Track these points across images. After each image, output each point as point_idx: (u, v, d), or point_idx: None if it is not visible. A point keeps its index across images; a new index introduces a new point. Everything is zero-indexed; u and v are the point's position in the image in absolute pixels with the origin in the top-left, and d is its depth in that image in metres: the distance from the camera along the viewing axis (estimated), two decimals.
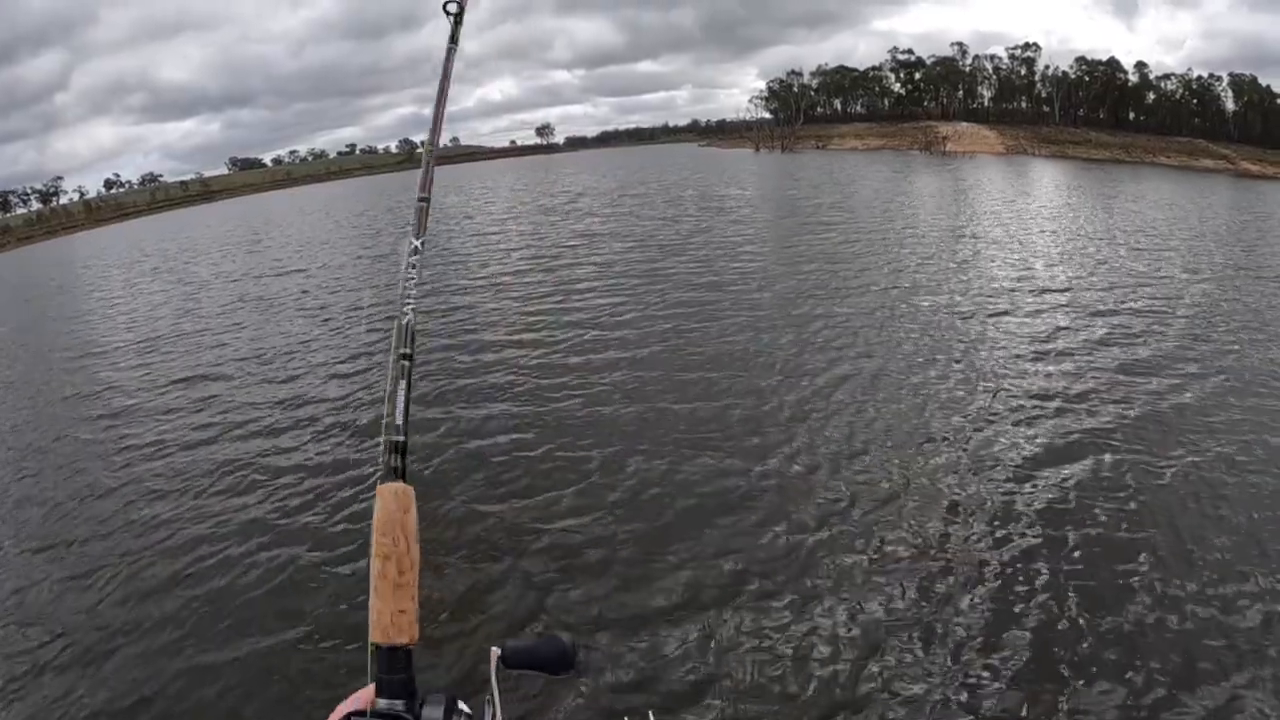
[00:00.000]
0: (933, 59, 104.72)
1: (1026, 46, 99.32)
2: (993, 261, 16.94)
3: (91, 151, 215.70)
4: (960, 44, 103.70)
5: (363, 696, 1.07)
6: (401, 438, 1.29)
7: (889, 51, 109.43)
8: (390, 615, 1.08)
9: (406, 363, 1.37)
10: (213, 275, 24.11)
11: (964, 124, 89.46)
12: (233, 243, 34.97)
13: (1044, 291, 13.83)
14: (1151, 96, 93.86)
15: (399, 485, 1.20)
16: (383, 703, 1.03)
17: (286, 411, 9.86)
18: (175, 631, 5.31)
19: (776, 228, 23.79)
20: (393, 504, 1.18)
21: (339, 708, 1.06)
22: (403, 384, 1.35)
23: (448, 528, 6.30)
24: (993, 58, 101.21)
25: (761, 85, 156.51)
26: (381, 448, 1.26)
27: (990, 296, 13.54)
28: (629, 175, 54.37)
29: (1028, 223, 23.56)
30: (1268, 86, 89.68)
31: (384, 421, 1.28)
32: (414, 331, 1.39)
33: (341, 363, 11.72)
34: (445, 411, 9.09)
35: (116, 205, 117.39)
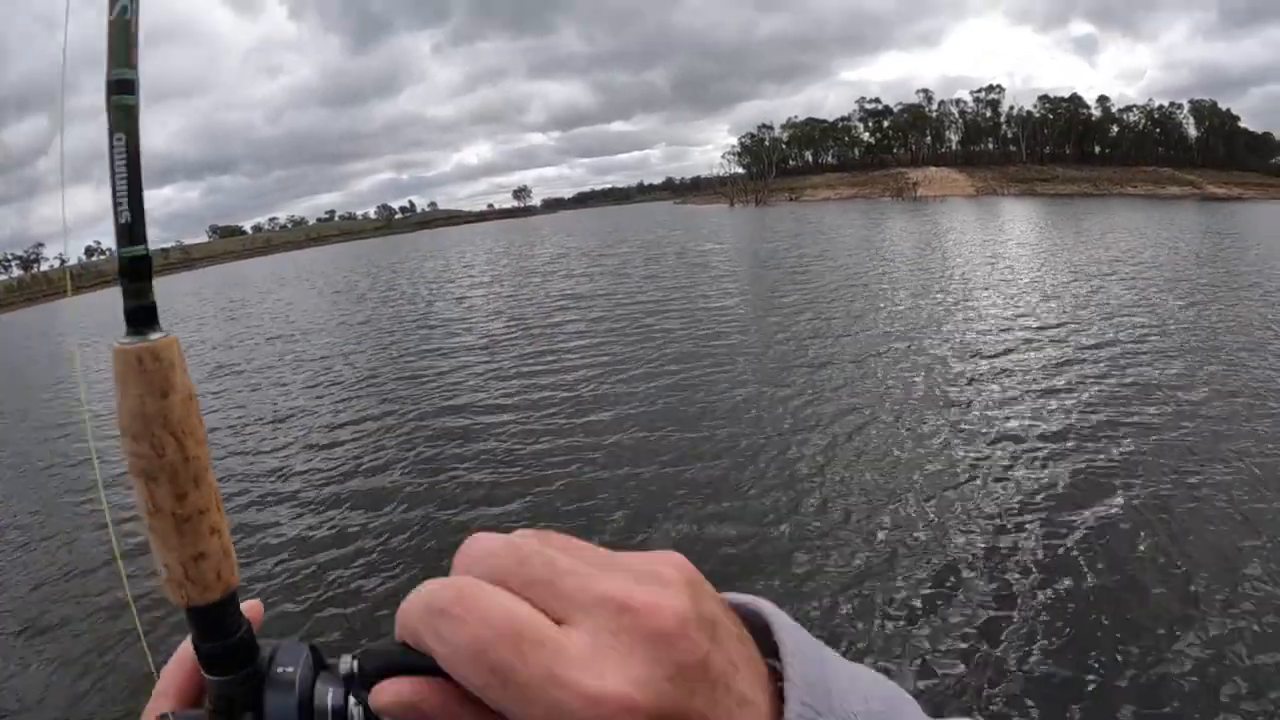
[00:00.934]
0: (900, 107, 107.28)
1: (991, 89, 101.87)
2: (977, 302, 16.64)
3: (72, 218, 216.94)
4: (926, 90, 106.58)
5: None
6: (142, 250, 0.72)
7: (857, 101, 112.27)
8: (184, 565, 0.43)
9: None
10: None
11: (933, 169, 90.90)
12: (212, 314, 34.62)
13: (1035, 328, 13.62)
14: (1115, 129, 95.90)
15: (149, 342, 0.47)
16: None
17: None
18: None
19: (759, 282, 23.56)
20: (139, 376, 0.46)
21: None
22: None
23: None
24: (958, 102, 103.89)
25: (734, 140, 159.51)
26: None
27: (981, 334, 13.59)
28: (608, 236, 54.23)
29: (1007, 262, 23.37)
30: (1228, 110, 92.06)
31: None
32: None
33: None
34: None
35: (97, 273, 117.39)
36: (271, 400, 13.74)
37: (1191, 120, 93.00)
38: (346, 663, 0.36)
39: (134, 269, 0.41)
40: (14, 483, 11.19)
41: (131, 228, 0.39)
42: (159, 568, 0.54)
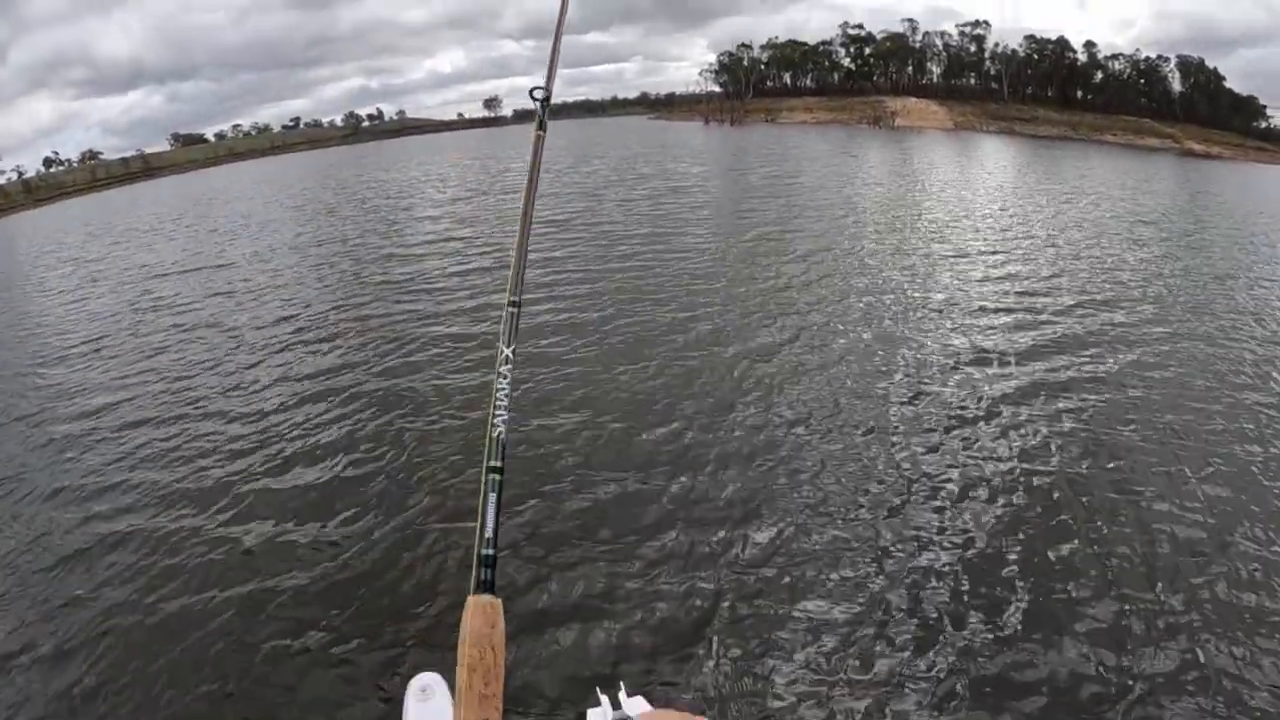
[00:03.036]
0: (883, 34, 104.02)
1: (977, 24, 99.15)
2: (952, 237, 16.32)
3: (30, 129, 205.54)
4: (911, 20, 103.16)
5: None
6: (490, 551, 1.29)
7: (840, 26, 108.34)
8: None
9: (496, 475, 1.37)
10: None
11: (913, 99, 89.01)
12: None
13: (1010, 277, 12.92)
14: (1099, 76, 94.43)
15: (488, 598, 1.22)
16: None
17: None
18: None
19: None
20: (481, 617, 1.19)
21: None
22: (493, 497, 1.35)
23: None
24: (943, 34, 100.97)
25: (711, 58, 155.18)
26: (474, 561, 1.26)
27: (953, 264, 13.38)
28: (582, 152, 52.43)
29: (988, 208, 22.78)
30: (1214, 69, 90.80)
31: (475, 535, 1.29)
32: (505, 444, 1.40)
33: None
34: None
35: (56, 184, 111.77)
36: None
37: (1177, 75, 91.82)
38: None
39: None
40: None
41: None
42: None
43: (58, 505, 6.48)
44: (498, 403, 1.49)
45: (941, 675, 4.00)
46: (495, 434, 1.42)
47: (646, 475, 6.20)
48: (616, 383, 8.09)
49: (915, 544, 5.12)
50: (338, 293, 13.41)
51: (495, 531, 1.31)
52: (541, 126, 2.11)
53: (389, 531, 5.70)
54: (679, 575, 4.90)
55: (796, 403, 7.30)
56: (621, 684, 2.09)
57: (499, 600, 1.23)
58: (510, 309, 1.62)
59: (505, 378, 1.50)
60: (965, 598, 4.56)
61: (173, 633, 4.86)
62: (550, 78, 2.31)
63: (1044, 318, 10.15)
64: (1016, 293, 11.29)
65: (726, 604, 4.64)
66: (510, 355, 1.51)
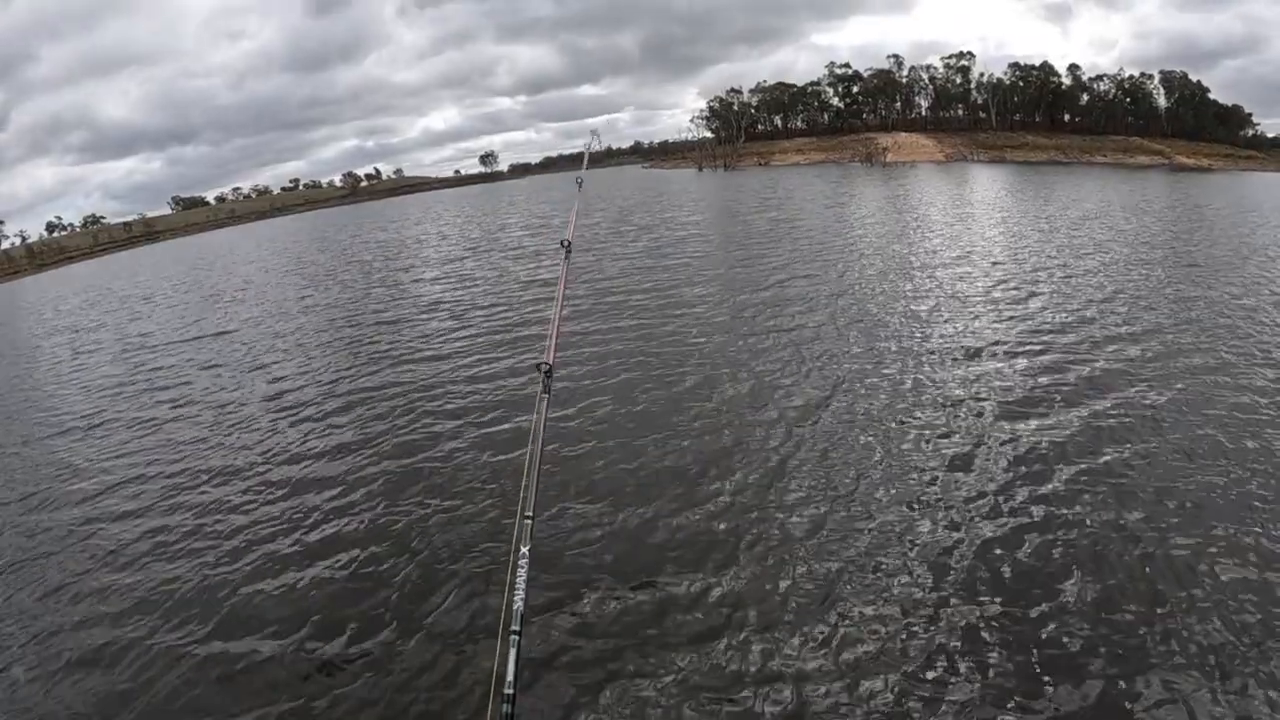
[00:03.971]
0: (870, 72, 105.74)
1: (961, 55, 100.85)
2: (953, 268, 16.43)
3: (32, 193, 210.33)
4: (896, 56, 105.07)
5: None
6: (511, 691, 1.64)
7: (827, 66, 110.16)
8: None
9: (516, 637, 1.75)
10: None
11: (903, 134, 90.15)
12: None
13: (1016, 301, 13.18)
14: (1085, 97, 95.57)
15: None
16: None
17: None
18: None
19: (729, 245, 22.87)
20: None
21: None
22: (513, 653, 1.70)
23: None
24: (928, 68, 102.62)
25: (703, 104, 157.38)
26: (492, 710, 1.62)
27: (961, 303, 13.25)
28: (581, 204, 52.98)
29: (985, 231, 23.10)
30: (1198, 82, 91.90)
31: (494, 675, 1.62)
32: (524, 615, 1.77)
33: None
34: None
35: (59, 249, 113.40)
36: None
37: (1162, 91, 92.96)
38: None
39: None
40: None
41: None
42: None
43: (50, 608, 6.22)
44: (517, 580, 1.83)
45: None
46: (515, 607, 1.76)
47: (680, 571, 5.65)
48: (645, 455, 7.62)
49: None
50: (340, 363, 13.24)
51: (516, 678, 1.64)
52: (547, 390, 2.67)
53: (403, 622, 5.41)
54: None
55: (850, 478, 6.72)
56: None
57: None
58: (525, 519, 2.02)
59: (525, 554, 1.89)
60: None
61: (178, 674, 5.01)
62: (550, 350, 3.02)
63: (1086, 355, 9.86)
64: (1052, 331, 10.98)
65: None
66: (528, 547, 1.90)
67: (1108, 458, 6.78)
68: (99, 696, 4.96)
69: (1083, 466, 6.62)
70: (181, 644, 5.38)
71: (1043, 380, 8.87)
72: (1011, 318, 11.83)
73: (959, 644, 4.55)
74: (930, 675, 4.34)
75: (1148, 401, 8.10)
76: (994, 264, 16.65)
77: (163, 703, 4.82)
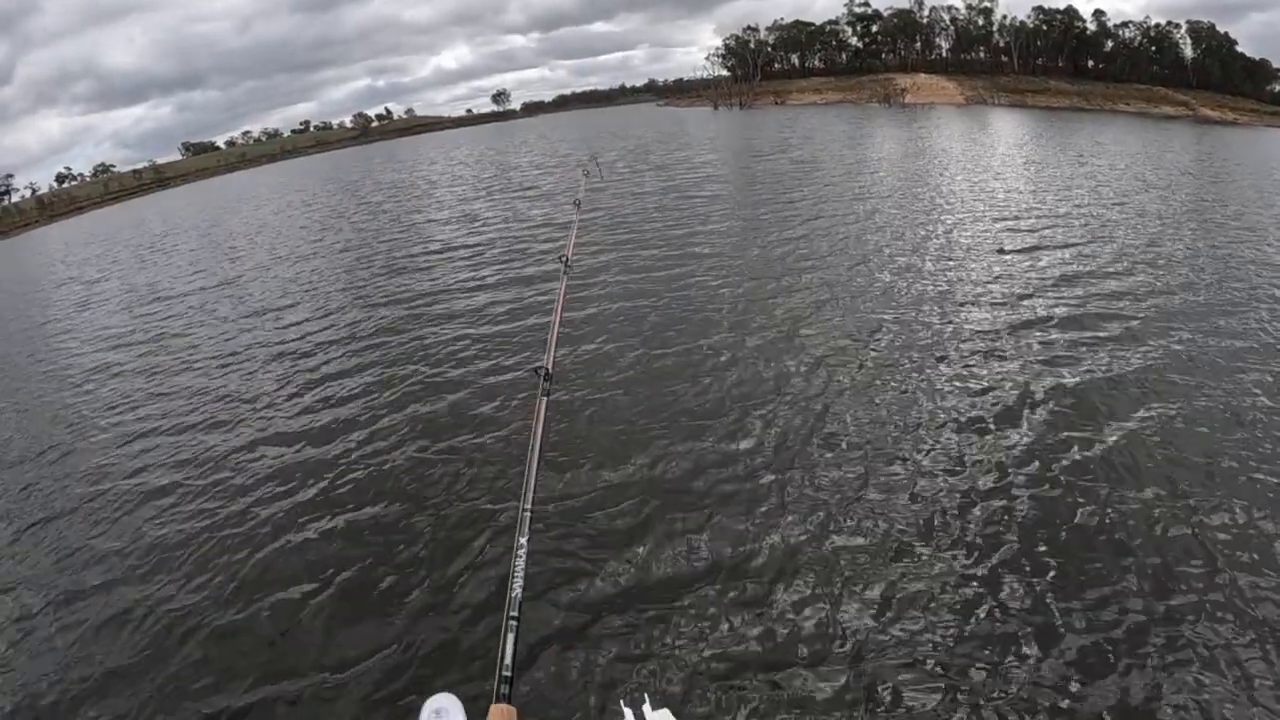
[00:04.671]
0: (890, 11, 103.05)
1: None
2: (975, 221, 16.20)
3: (41, 145, 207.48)
4: None
5: None
6: (509, 673, 1.76)
7: (845, 5, 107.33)
8: None
9: (514, 622, 1.87)
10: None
11: (922, 75, 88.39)
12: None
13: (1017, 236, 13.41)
14: (1110, 44, 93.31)
15: (506, 707, 1.69)
16: None
17: None
18: None
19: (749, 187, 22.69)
20: None
21: None
22: (510, 637, 1.82)
23: None
24: (950, 8, 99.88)
25: (718, 42, 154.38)
26: (496, 677, 1.74)
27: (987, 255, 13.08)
28: (593, 143, 52.27)
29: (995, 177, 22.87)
30: (1225, 34, 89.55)
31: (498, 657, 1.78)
32: (521, 602, 1.94)
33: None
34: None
35: (69, 199, 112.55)
36: None
37: (1188, 41, 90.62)
38: None
39: None
40: None
41: None
42: None
43: (71, 564, 6.42)
44: (516, 569, 1.97)
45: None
46: (513, 594, 1.91)
47: (697, 486, 6.22)
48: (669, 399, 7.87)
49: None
50: (352, 311, 13.05)
51: (514, 659, 1.79)
52: (546, 393, 2.86)
53: (414, 548, 5.85)
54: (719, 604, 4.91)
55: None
56: (646, 696, 2.27)
57: (515, 709, 1.68)
58: (524, 512, 2.14)
59: (523, 544, 2.02)
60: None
61: (191, 642, 5.17)
62: (549, 354, 3.26)
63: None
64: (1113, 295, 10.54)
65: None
66: (526, 538, 2.02)
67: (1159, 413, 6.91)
68: (113, 659, 5.12)
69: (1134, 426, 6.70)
70: (168, 606, 5.54)
71: (1087, 336, 8.82)
72: (1050, 267, 11.73)
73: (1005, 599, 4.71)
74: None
75: (1191, 356, 8.21)
76: (1027, 210, 16.58)
77: (161, 658, 5.05)
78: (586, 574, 5.22)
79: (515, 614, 1.88)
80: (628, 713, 2.14)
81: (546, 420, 2.85)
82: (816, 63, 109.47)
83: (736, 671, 4.32)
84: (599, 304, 11.14)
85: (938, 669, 4.22)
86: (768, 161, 28.94)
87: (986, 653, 4.30)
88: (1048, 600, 4.63)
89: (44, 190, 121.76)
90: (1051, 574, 4.85)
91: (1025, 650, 4.28)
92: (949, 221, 15.16)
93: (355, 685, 4.55)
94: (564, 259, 4.81)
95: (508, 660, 1.78)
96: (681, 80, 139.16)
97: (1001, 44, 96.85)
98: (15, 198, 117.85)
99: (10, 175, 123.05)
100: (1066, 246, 12.90)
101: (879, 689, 4.13)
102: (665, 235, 15.52)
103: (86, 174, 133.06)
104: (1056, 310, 9.67)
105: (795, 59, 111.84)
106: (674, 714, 2.21)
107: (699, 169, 27.89)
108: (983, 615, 4.57)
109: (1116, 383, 7.57)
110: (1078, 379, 7.62)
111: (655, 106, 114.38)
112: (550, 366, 3.18)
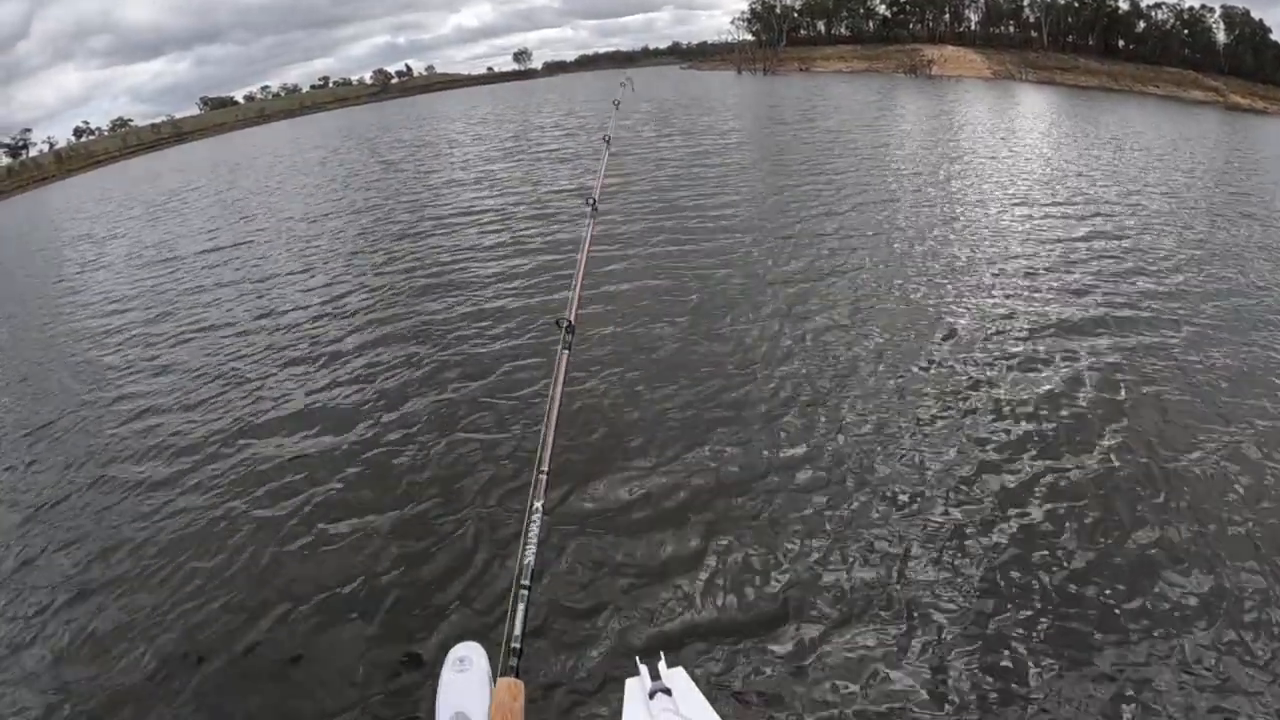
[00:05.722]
0: None
1: None
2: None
3: (59, 100, 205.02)
4: None
5: None
6: (518, 645, 1.74)
7: None
8: None
9: (525, 591, 1.84)
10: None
11: (950, 47, 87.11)
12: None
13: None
14: (1141, 25, 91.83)
15: (514, 680, 1.65)
16: None
17: None
18: None
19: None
20: (507, 694, 1.60)
21: None
22: (521, 607, 1.80)
23: None
24: None
25: (744, 6, 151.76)
26: (503, 650, 1.72)
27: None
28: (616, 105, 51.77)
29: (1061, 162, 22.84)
30: (1260, 20, 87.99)
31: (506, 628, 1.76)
32: (534, 569, 1.91)
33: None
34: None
35: (87, 154, 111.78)
36: None
37: (1222, 26, 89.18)
38: None
39: None
40: None
41: None
42: None
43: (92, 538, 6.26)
44: (529, 534, 1.95)
45: None
46: (525, 562, 1.89)
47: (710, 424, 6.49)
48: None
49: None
50: (370, 275, 12.86)
51: (523, 631, 1.76)
52: (567, 346, 2.79)
53: (435, 499, 5.92)
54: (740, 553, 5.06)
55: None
56: (661, 654, 2.17)
57: (521, 683, 1.65)
58: (540, 475, 2.13)
59: (539, 509, 2.00)
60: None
61: (218, 586, 5.29)
62: (573, 307, 3.14)
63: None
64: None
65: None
66: (541, 503, 2.02)
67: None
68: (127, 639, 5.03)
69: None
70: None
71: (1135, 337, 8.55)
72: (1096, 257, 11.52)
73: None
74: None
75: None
76: (1062, 191, 16.54)
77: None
78: (601, 543, 5.21)
79: (526, 582, 1.85)
80: (643, 669, 2.05)
81: (567, 376, 2.71)
82: (843, 30, 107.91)
83: (751, 632, 4.38)
84: (626, 253, 11.21)
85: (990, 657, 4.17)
86: (796, 130, 28.86)
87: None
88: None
89: (61, 144, 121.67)
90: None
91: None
92: (1001, 202, 15.11)
93: (353, 649, 4.56)
94: (591, 201, 4.52)
95: (516, 631, 1.75)
96: (705, 43, 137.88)
97: (1032, 19, 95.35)
98: (33, 152, 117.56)
99: (28, 130, 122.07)
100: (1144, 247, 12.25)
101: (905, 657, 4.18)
102: (698, 202, 15.55)
103: (104, 128, 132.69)
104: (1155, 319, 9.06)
105: (821, 25, 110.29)
106: (688, 672, 2.10)
107: (726, 135, 27.90)
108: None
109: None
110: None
111: (679, 69, 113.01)
112: (573, 318, 3.02)
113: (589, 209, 4.49)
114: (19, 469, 7.74)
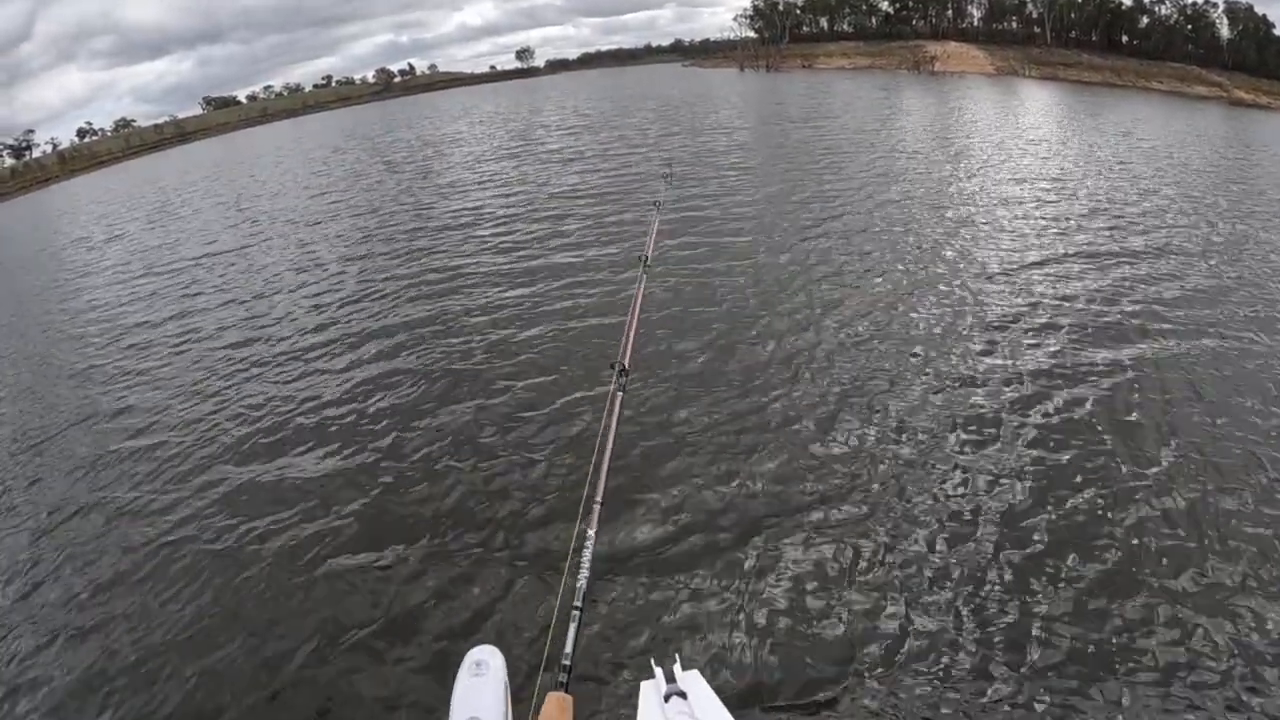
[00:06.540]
0: None
1: None
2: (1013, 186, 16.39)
3: (62, 101, 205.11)
4: None
5: None
6: (568, 662, 1.81)
7: None
8: None
9: (578, 612, 1.91)
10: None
11: (953, 43, 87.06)
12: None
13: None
14: (1145, 21, 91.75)
15: (563, 695, 1.68)
16: None
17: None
18: None
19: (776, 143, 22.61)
20: (556, 707, 1.63)
21: None
22: (572, 626, 1.87)
23: None
24: None
25: (746, 3, 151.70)
26: (557, 666, 1.78)
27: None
28: (618, 104, 51.84)
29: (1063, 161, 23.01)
30: (1264, 16, 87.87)
31: (555, 643, 1.88)
32: (586, 593, 2.03)
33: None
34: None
35: (90, 154, 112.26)
36: None
37: (1225, 21, 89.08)
38: None
39: None
40: None
41: None
42: None
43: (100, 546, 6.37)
44: (583, 560, 2.06)
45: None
46: (578, 585, 1.99)
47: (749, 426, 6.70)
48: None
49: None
50: (377, 278, 13.08)
51: (574, 649, 1.85)
52: (622, 388, 3.01)
53: (464, 497, 6.11)
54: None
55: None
56: (677, 656, 2.19)
57: (571, 698, 1.69)
58: (595, 504, 2.32)
59: (591, 536, 2.11)
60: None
61: (235, 593, 5.35)
62: (626, 350, 3.37)
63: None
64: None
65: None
66: (594, 530, 2.15)
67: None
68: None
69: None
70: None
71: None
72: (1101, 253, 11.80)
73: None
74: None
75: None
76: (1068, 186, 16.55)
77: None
78: (642, 573, 5.17)
79: (579, 604, 1.97)
80: (658, 671, 2.06)
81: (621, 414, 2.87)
82: (845, 26, 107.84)
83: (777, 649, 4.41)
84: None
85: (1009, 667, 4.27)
86: (803, 129, 28.92)
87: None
88: None
89: (64, 145, 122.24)
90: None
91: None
92: (1024, 203, 15.19)
93: (403, 655, 4.62)
94: (643, 258, 4.99)
95: (568, 649, 1.85)
96: (708, 41, 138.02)
97: (1035, 15, 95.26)
98: (36, 153, 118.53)
99: (31, 131, 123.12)
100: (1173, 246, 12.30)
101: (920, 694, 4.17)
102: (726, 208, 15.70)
103: (107, 129, 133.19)
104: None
105: (824, 22, 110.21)
106: (704, 676, 2.10)
107: (734, 134, 28.00)
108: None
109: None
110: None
111: (681, 67, 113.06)
112: (626, 362, 3.30)
113: (641, 265, 4.96)
114: (17, 490, 7.71)
